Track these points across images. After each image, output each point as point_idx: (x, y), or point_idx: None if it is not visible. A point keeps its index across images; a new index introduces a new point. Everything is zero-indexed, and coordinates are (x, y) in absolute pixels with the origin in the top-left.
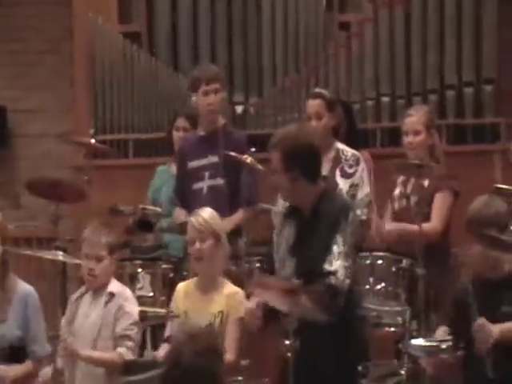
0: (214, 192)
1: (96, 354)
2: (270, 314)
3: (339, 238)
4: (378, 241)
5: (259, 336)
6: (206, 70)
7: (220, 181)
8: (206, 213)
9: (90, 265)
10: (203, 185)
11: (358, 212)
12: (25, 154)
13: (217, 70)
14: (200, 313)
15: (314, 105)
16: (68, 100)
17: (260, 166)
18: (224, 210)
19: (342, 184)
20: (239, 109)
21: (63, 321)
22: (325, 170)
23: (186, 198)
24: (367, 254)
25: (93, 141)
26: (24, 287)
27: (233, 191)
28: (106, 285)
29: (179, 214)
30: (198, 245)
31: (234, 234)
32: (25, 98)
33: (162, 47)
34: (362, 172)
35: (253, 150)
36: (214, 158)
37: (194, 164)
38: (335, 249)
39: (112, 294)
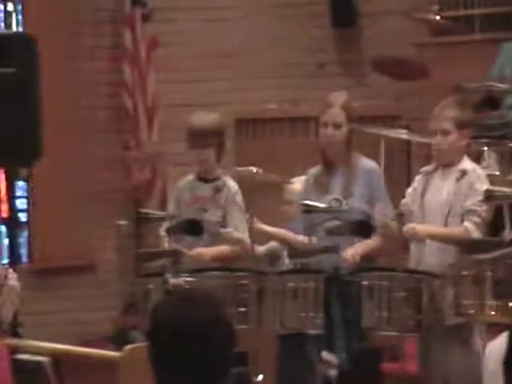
0: None
1: (440, 230)
2: None
3: None
4: None
5: None
6: None
7: None
8: None
9: (437, 139)
10: None
11: None
12: (370, 33)
13: None
14: None
15: None
16: None
17: None
18: None
19: None
20: None
21: (406, 197)
22: None
23: None
24: None
25: (437, 17)
26: (367, 163)
27: None
28: (457, 162)
29: None
30: None
31: None
32: None
33: None
34: None
35: None
36: None
37: None
38: None
39: (464, 172)
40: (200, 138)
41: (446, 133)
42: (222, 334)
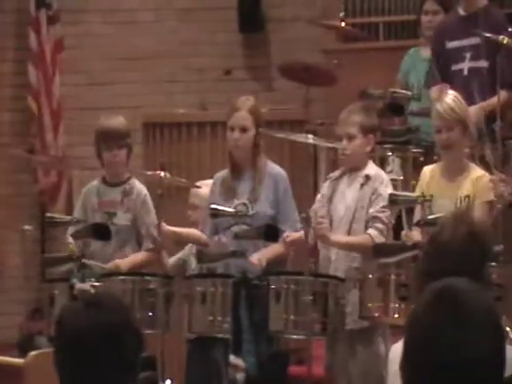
0: (475, 74)
1: (345, 239)
2: None
3: None
4: None
5: None
6: None
7: (483, 63)
8: (452, 99)
9: (342, 144)
10: (463, 66)
11: None
12: (278, 38)
13: None
14: (445, 197)
15: None
16: None
17: None
18: (484, 94)
19: None
20: None
21: (315, 204)
22: None
23: (444, 79)
24: None
25: (343, 24)
26: (274, 168)
27: (495, 75)
28: (362, 167)
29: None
30: (444, 134)
31: (489, 117)
32: None
33: None
34: None
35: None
36: (474, 40)
37: (453, 44)
38: None
39: (368, 177)
40: (116, 139)
41: (351, 137)
42: (129, 338)
